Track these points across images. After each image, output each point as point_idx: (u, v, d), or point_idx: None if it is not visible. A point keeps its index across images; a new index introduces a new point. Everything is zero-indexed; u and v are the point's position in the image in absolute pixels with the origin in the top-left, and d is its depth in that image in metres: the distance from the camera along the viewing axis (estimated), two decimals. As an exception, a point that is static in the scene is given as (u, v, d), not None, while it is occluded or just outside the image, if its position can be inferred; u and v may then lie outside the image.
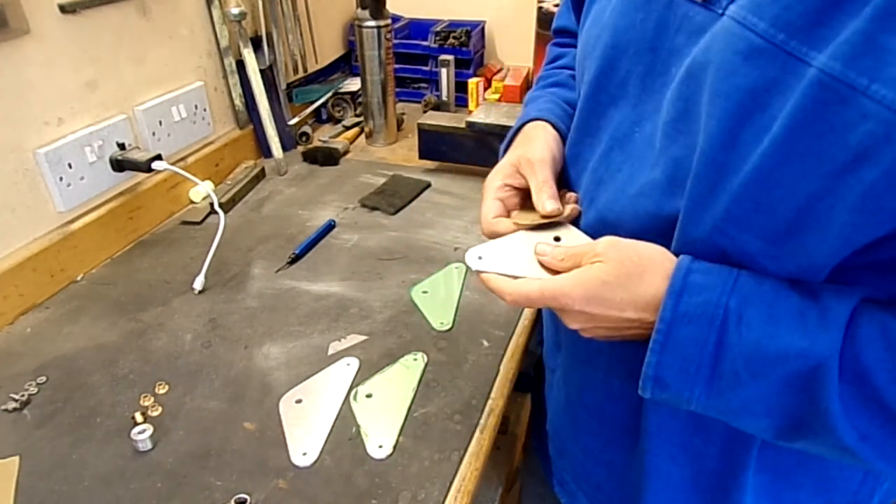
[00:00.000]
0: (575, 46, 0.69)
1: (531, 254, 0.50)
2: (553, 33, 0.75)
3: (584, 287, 0.44)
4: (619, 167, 0.49)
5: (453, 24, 1.51)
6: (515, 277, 0.49)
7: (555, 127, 0.61)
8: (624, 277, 0.44)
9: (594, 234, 0.50)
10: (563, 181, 0.59)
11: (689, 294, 0.41)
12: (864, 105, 0.33)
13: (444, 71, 1.40)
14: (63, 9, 0.81)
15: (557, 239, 0.51)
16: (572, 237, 0.52)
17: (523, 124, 0.63)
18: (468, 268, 0.52)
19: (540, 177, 0.54)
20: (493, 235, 0.54)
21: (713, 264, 0.42)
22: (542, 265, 0.49)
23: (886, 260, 0.39)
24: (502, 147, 0.65)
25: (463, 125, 1.14)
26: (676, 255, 0.44)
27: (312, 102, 1.37)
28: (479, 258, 0.51)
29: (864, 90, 0.33)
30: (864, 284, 0.41)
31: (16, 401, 0.67)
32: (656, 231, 0.45)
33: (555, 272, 0.48)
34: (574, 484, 0.68)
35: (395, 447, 0.62)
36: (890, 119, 0.33)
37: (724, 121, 0.38)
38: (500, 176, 0.58)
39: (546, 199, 0.52)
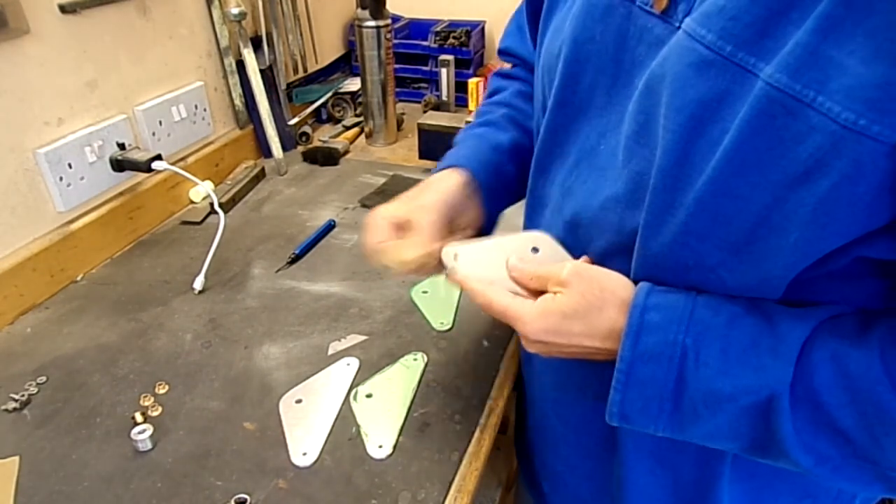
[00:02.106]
0: (519, 77, 0.69)
1: (504, 263, 0.50)
2: (499, 53, 0.73)
3: (544, 319, 0.45)
4: (584, 179, 0.50)
5: (453, 24, 1.51)
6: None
7: (473, 173, 0.61)
8: (583, 311, 0.44)
9: (563, 243, 0.51)
10: (531, 194, 0.59)
11: (646, 334, 0.42)
12: (812, 118, 0.33)
13: (444, 71, 1.40)
14: (63, 9, 0.81)
15: (535, 250, 0.52)
16: (549, 249, 0.52)
17: (444, 167, 0.63)
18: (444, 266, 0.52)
19: (423, 220, 0.55)
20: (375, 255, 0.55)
21: (670, 295, 0.42)
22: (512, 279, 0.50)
23: (843, 270, 0.40)
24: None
25: (463, 125, 1.14)
26: (636, 274, 0.45)
27: (312, 102, 1.37)
28: (455, 256, 0.51)
29: (811, 102, 0.33)
30: (824, 295, 0.42)
31: (16, 401, 0.67)
32: (621, 245, 0.46)
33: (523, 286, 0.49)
34: (553, 495, 0.68)
35: (395, 447, 0.62)
36: (836, 132, 0.32)
37: (678, 134, 0.38)
38: (383, 211, 0.57)
39: (417, 244, 0.53)
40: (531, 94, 0.63)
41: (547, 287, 0.47)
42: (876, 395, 0.37)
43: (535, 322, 0.45)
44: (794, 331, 0.40)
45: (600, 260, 0.48)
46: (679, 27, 0.40)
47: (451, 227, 0.58)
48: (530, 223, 0.60)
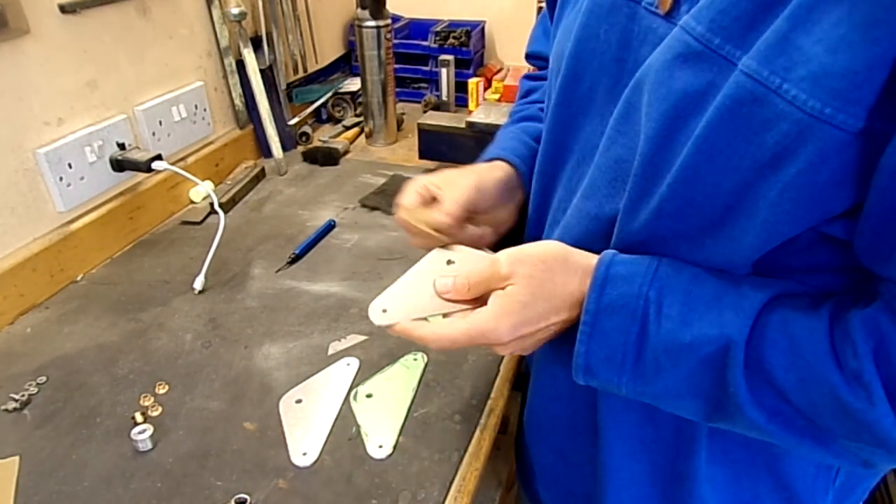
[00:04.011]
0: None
1: (431, 290, 0.48)
2: (526, 58, 0.74)
3: (509, 316, 0.45)
4: (585, 178, 0.50)
5: (453, 24, 1.51)
6: (427, 319, 0.48)
7: (514, 165, 0.61)
8: (539, 289, 0.44)
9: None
10: (534, 195, 0.60)
11: (611, 286, 0.43)
12: (778, 105, 0.34)
13: (444, 71, 1.40)
14: (63, 9, 0.81)
15: (451, 262, 0.50)
16: (462, 255, 0.51)
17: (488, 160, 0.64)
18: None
19: (449, 195, 0.55)
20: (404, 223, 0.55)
21: (636, 255, 0.43)
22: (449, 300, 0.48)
23: (806, 260, 0.41)
24: None
25: (463, 125, 1.14)
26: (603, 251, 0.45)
27: (312, 102, 1.37)
28: (384, 311, 0.48)
29: (777, 89, 0.33)
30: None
31: (16, 401, 0.67)
32: (598, 233, 0.46)
33: (464, 302, 0.48)
34: (546, 493, 0.68)
35: (395, 447, 0.62)
36: (802, 120, 0.33)
37: (660, 122, 0.39)
38: (424, 178, 0.58)
39: (437, 213, 0.53)
40: None
41: (490, 287, 0.46)
42: (816, 363, 0.38)
43: (503, 323, 0.45)
44: (757, 293, 0.41)
45: (578, 247, 0.48)
46: None
47: (475, 218, 0.58)
48: (533, 224, 0.61)
